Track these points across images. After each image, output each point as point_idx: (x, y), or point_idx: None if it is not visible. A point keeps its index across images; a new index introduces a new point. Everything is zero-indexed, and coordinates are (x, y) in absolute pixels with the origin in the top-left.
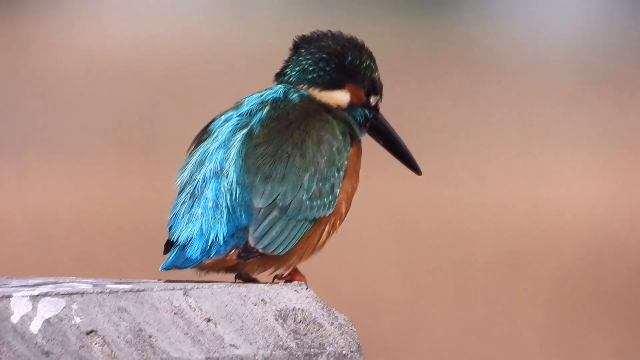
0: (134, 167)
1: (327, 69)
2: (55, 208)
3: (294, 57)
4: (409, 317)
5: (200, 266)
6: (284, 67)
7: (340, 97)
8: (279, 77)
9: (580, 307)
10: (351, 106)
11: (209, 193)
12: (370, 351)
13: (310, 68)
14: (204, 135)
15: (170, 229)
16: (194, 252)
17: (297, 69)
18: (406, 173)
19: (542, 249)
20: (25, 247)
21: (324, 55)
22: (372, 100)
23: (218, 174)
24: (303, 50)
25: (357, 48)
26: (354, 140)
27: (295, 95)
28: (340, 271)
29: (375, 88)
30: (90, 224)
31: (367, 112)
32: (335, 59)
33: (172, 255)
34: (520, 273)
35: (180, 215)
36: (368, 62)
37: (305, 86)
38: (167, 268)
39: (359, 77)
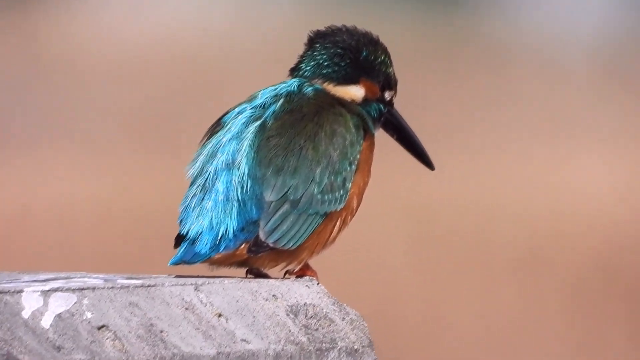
0: (149, 160)
1: (342, 64)
2: (70, 202)
3: (309, 52)
4: (421, 313)
5: (210, 261)
6: (299, 62)
7: (354, 92)
8: (294, 71)
9: (602, 301)
10: (366, 101)
11: (220, 186)
12: (382, 346)
13: (325, 63)
14: (217, 127)
15: (180, 222)
16: (203, 246)
17: (312, 63)
18: (422, 168)
19: (561, 243)
20: (41, 241)
21: (339, 50)
22: (387, 95)
23: (230, 166)
24: (318, 45)
25: (372, 43)
26: (367, 134)
27: (310, 89)
28: (351, 266)
29: (390, 83)
30: (106, 217)
31: (381, 107)
32: (350, 54)
33: (182, 250)
34: (540, 269)
35: (191, 208)
36: (383, 57)
37: (319, 80)
38: (176, 263)
39: (374, 72)
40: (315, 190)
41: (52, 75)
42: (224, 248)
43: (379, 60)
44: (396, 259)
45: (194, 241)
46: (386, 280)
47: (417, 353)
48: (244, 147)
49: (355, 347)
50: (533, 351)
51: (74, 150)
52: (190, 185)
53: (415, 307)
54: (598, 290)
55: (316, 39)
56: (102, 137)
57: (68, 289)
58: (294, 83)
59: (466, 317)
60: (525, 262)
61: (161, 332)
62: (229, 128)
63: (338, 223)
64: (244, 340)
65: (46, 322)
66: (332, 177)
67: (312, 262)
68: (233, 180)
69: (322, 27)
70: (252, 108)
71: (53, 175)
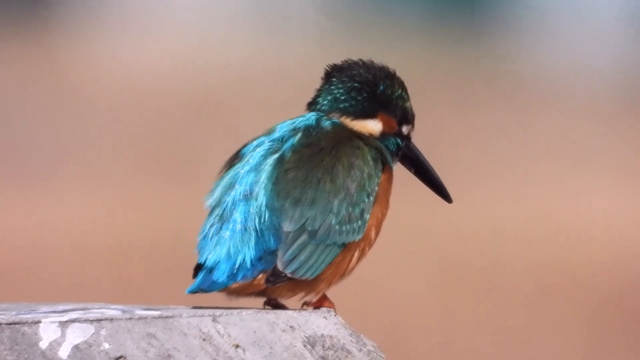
0: (166, 191)
1: (359, 98)
2: (85, 233)
3: (326, 86)
4: (439, 344)
5: (228, 290)
6: (316, 96)
7: (372, 127)
8: (311, 105)
9: (619, 332)
10: (383, 135)
11: (238, 216)
12: None
13: (342, 97)
14: (235, 159)
15: (198, 251)
16: (220, 275)
17: (329, 97)
18: (439, 201)
19: (579, 274)
20: (57, 269)
21: (356, 85)
22: (405, 129)
23: (247, 197)
24: (335, 80)
25: (388, 77)
26: (386, 167)
27: (328, 122)
28: (369, 297)
29: (407, 117)
30: (121, 248)
31: (399, 140)
32: (367, 88)
33: (199, 279)
34: (556, 302)
35: (209, 238)
36: (400, 92)
37: (337, 115)
38: (193, 291)
39: (391, 106)
40: (334, 221)
41: (68, 106)
42: (241, 277)
43: (396, 94)
44: (412, 289)
45: (211, 270)
46: (402, 311)
47: None
48: (262, 179)
49: None
50: None
51: (90, 181)
52: (208, 216)
53: (431, 338)
54: (615, 321)
55: (333, 73)
56: (117, 168)
57: (86, 320)
58: (312, 117)
59: (484, 348)
60: (543, 292)
61: None
62: (247, 160)
63: (356, 254)
64: None
65: (64, 353)
66: (350, 209)
67: (330, 293)
68: (251, 210)
69: (338, 61)
70: (270, 141)
71: (69, 206)
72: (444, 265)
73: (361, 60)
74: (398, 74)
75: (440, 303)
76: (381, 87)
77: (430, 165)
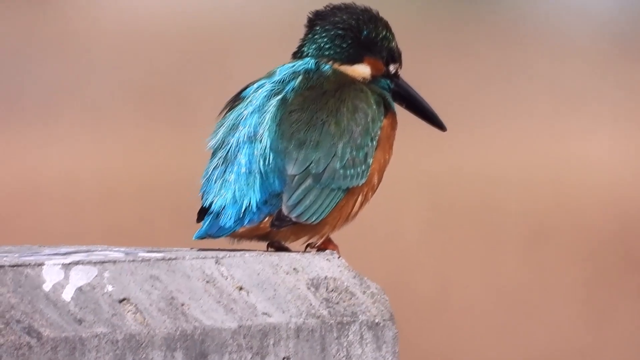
0: (163, 132)
1: (344, 45)
2: (84, 174)
3: (310, 35)
4: (441, 286)
5: (234, 234)
6: (301, 46)
7: (361, 71)
8: (296, 55)
9: (614, 272)
10: (373, 78)
11: (242, 158)
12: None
13: (327, 45)
14: (236, 100)
15: (202, 194)
16: (227, 220)
17: (313, 47)
18: (434, 142)
19: (574, 215)
20: (55, 213)
21: (340, 32)
22: (392, 68)
23: (252, 138)
24: (318, 28)
25: (371, 20)
26: (389, 112)
27: (327, 67)
28: (371, 240)
29: (393, 56)
30: (119, 190)
31: (389, 82)
32: (351, 33)
33: (206, 224)
34: (551, 241)
35: (213, 181)
36: (384, 33)
37: (328, 61)
38: (201, 237)
39: (376, 48)
40: (338, 165)
41: (62, 47)
42: (248, 221)
43: (381, 36)
44: (410, 233)
45: (218, 215)
46: (399, 254)
47: (429, 324)
48: (266, 120)
49: (377, 320)
50: (545, 323)
51: (89, 122)
52: (212, 157)
53: (428, 279)
54: (610, 262)
55: (316, 21)
56: (115, 111)
57: (89, 262)
58: (311, 61)
59: (479, 289)
60: (538, 234)
61: (182, 305)
62: (250, 101)
63: (360, 198)
64: (265, 314)
65: (67, 295)
66: (354, 152)
67: (333, 236)
68: (255, 152)
69: (320, 7)
70: (271, 83)
71: (63, 149)
72: (440, 208)
73: (343, 4)
74: (384, 15)
75: (436, 246)
76: (365, 32)
77: (421, 97)
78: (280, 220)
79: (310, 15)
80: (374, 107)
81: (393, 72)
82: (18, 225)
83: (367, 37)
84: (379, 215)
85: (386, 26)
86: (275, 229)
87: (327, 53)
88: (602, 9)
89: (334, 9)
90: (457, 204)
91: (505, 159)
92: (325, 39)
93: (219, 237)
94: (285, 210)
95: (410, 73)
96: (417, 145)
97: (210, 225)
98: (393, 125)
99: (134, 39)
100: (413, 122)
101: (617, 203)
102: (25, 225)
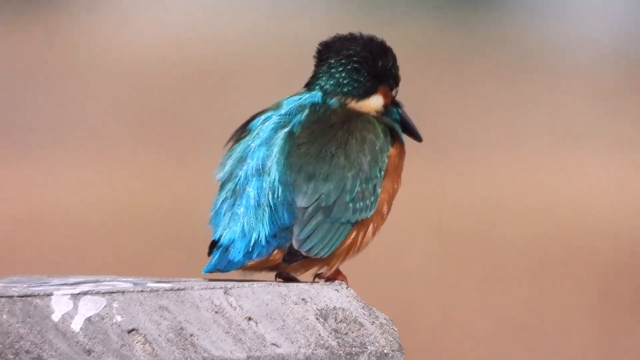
0: (168, 161)
1: (361, 79)
2: (90, 203)
3: (324, 68)
4: (448, 317)
5: (243, 267)
6: (316, 78)
7: (375, 102)
8: (310, 86)
9: (620, 304)
10: (385, 107)
11: (251, 191)
12: (411, 350)
13: (345, 81)
14: (242, 132)
15: (212, 227)
16: (236, 254)
17: (331, 82)
18: (442, 173)
19: (581, 246)
20: (61, 242)
21: (356, 65)
22: (394, 93)
23: (260, 171)
24: (333, 61)
25: (383, 51)
26: (397, 142)
27: (334, 100)
28: (380, 271)
29: (397, 82)
30: (115, 221)
31: (398, 111)
32: (367, 66)
33: (215, 258)
34: (556, 271)
35: (222, 213)
36: (393, 62)
37: (341, 97)
38: (210, 271)
39: (387, 76)
40: (348, 198)
41: (64, 79)
42: (257, 255)
43: (390, 64)
44: (414, 264)
45: (227, 249)
46: (405, 285)
47: (436, 355)
48: (274, 153)
49: (385, 351)
50: (554, 353)
51: (89, 152)
52: (220, 190)
53: (434, 309)
54: (617, 293)
55: (328, 53)
56: (118, 139)
57: (98, 293)
58: (317, 94)
59: (486, 319)
60: (543, 263)
61: (191, 335)
62: (257, 134)
63: (369, 230)
64: (274, 344)
65: (76, 325)
66: (364, 185)
67: (342, 267)
68: (264, 185)
69: (327, 38)
70: (278, 116)
71: (69, 178)
72: (446, 238)
73: (350, 34)
74: (393, 44)
75: (442, 276)
76: (380, 64)
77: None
78: (291, 255)
79: (320, 47)
80: (382, 136)
81: (395, 96)
82: (25, 255)
83: (381, 68)
84: (384, 245)
85: (394, 56)
86: (286, 264)
87: (345, 89)
88: (605, 39)
89: (343, 40)
90: (462, 234)
91: (510, 188)
92: (343, 74)
93: (227, 271)
94: (295, 245)
95: (414, 103)
96: (421, 175)
97: (219, 259)
98: (401, 155)
99: (138, 69)
100: (417, 152)
101: (623, 233)
102: (31, 255)
